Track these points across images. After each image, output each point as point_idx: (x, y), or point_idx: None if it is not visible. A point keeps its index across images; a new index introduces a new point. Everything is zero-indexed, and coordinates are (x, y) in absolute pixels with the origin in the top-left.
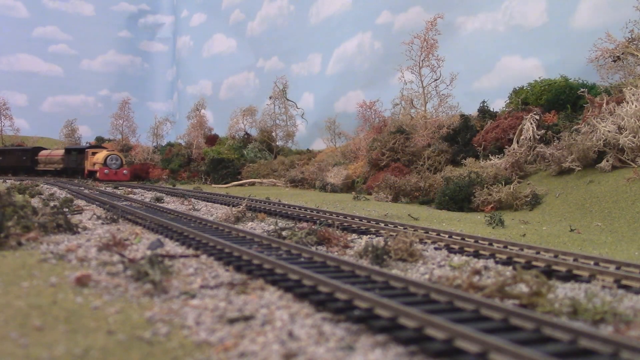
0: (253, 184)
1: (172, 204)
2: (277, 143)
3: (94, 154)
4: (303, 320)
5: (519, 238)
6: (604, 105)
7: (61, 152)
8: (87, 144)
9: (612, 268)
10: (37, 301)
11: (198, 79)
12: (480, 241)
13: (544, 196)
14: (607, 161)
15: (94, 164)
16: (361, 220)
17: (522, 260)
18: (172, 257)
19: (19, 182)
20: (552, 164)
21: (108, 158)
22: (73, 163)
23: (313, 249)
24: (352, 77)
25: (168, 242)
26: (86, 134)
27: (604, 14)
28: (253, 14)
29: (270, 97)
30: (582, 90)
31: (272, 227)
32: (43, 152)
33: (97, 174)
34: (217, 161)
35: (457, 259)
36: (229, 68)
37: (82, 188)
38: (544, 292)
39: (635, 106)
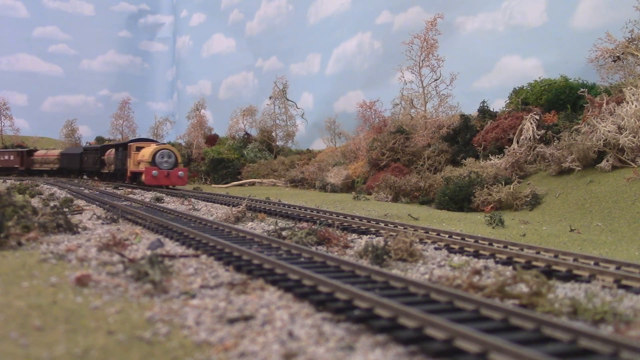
0: (253, 184)
1: (172, 204)
2: (277, 143)
3: (138, 149)
4: (303, 320)
5: (519, 238)
6: (604, 105)
7: (114, 150)
8: (87, 144)
9: (612, 268)
10: (37, 301)
11: (197, 79)
12: (480, 241)
13: (544, 196)
14: (607, 161)
15: (139, 163)
16: (361, 220)
17: (522, 260)
18: (172, 257)
19: (19, 182)
20: (552, 164)
21: (157, 154)
22: (119, 163)
23: (313, 249)
24: (352, 77)
25: (168, 242)
26: (86, 134)
27: (604, 14)
28: (251, 14)
29: (270, 97)
30: (582, 90)
31: (272, 227)
32: (107, 151)
33: (143, 177)
34: (217, 161)
35: (457, 259)
36: (228, 68)
37: (82, 188)
38: (544, 292)
39: (635, 106)
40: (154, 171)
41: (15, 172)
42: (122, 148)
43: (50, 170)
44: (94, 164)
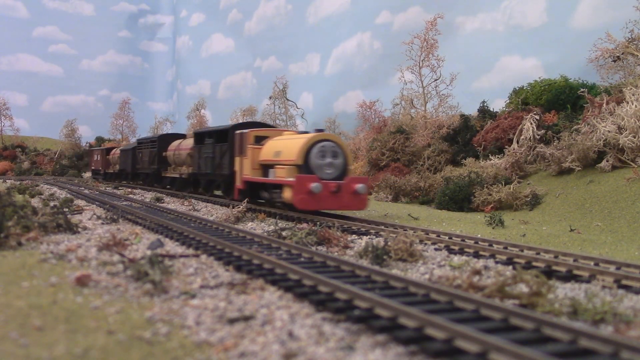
0: None
1: (172, 204)
2: None
3: (260, 139)
4: (303, 320)
5: (519, 238)
6: (604, 105)
7: (190, 142)
8: (87, 144)
9: (612, 268)
10: (37, 301)
11: (197, 78)
12: (480, 242)
13: (544, 196)
14: (607, 161)
15: (267, 167)
16: (361, 222)
17: (522, 261)
18: (172, 257)
19: (19, 182)
20: (552, 164)
21: (314, 150)
22: (209, 164)
23: (313, 249)
24: (352, 77)
25: (168, 242)
26: (86, 134)
27: (604, 14)
28: (250, 14)
29: (270, 97)
30: (582, 90)
31: (272, 227)
32: (171, 144)
33: (289, 194)
34: None
35: (457, 259)
36: (227, 68)
37: (82, 188)
38: (544, 292)
39: (635, 106)
40: (313, 184)
41: (99, 178)
42: (216, 139)
43: (113, 173)
44: (151, 163)
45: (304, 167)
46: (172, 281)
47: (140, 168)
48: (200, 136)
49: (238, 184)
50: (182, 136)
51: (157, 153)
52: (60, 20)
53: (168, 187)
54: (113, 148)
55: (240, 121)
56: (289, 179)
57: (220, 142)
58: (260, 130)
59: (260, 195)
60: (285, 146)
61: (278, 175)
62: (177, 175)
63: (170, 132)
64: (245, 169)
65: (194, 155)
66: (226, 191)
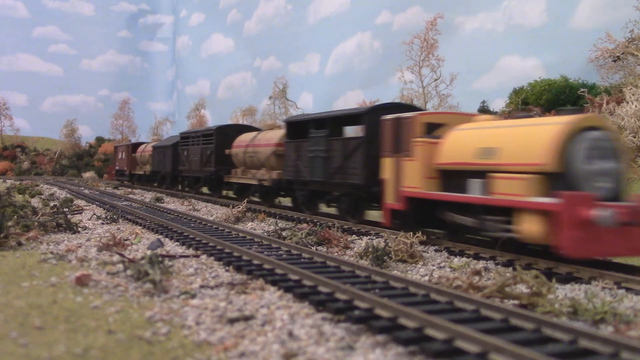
0: None
1: (172, 204)
2: None
3: (432, 128)
4: (303, 320)
5: None
6: (604, 105)
7: (277, 134)
8: (87, 144)
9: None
10: (37, 301)
11: (196, 78)
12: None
13: None
14: None
15: (466, 177)
16: (361, 223)
17: (523, 263)
18: (172, 257)
19: (19, 182)
20: None
21: (580, 146)
22: (318, 167)
23: (313, 249)
24: (352, 77)
25: (168, 242)
26: (86, 134)
27: (604, 14)
28: (250, 14)
29: (270, 97)
30: (582, 90)
31: (272, 227)
32: (242, 139)
33: (542, 229)
34: None
35: (457, 260)
36: (227, 68)
37: (82, 188)
38: (544, 293)
39: (635, 106)
40: (600, 212)
41: (124, 180)
42: (332, 130)
43: (143, 175)
44: (204, 164)
45: (561, 177)
46: (172, 281)
47: (185, 170)
48: (300, 126)
49: (390, 200)
50: (253, 128)
51: (214, 150)
52: (60, 20)
53: (234, 195)
54: (142, 144)
55: (240, 122)
56: (537, 199)
57: (340, 134)
58: (434, 114)
59: (441, 216)
60: (509, 138)
61: (502, 190)
62: (255, 182)
63: (171, 132)
64: (408, 177)
65: (287, 154)
66: (351, 210)
